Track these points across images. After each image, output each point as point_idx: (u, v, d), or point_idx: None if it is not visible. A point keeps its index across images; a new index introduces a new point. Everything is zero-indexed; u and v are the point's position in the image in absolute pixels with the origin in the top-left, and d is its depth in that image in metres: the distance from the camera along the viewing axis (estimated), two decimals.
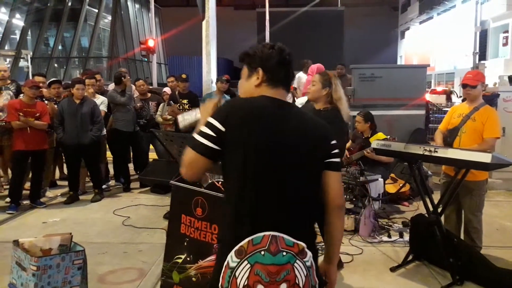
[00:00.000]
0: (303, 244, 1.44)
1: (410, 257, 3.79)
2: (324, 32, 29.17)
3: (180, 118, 1.94)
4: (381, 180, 4.90)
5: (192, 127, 1.94)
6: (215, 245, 2.94)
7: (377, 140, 3.99)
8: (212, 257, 2.92)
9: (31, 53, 18.42)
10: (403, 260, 3.76)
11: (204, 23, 7.21)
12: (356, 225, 4.46)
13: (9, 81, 6.59)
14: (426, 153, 3.38)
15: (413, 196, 5.67)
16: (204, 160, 1.48)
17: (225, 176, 1.54)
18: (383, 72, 6.79)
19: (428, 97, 9.99)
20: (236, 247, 1.38)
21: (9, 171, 6.06)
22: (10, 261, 2.91)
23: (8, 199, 5.44)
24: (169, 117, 6.37)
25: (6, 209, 5.26)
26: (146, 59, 20.40)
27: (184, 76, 6.76)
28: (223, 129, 1.46)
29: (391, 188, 5.45)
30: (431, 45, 25.81)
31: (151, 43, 16.17)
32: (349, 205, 4.94)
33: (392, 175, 5.71)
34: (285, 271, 1.38)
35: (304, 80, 7.93)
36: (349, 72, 8.00)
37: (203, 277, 2.91)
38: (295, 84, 8.08)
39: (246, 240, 1.38)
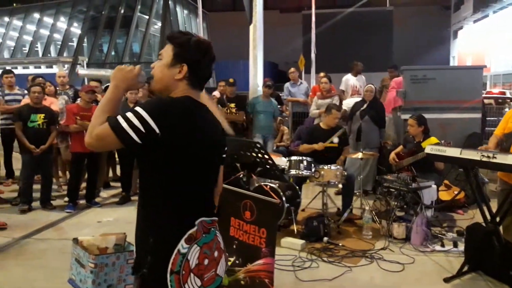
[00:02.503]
0: (216, 218, 1.71)
1: (466, 268, 3.62)
2: (372, 32, 28.55)
3: (81, 71, 1.86)
4: (434, 186, 4.71)
5: (92, 79, 1.90)
6: (263, 249, 2.96)
7: (430, 145, 3.85)
8: (261, 261, 2.94)
9: (86, 59, 19.38)
10: (457, 271, 3.59)
11: (251, 27, 7.25)
12: (408, 233, 4.32)
13: (67, 86, 6.97)
14: (484, 159, 3.22)
15: (468, 204, 5.42)
16: (119, 144, 1.51)
17: (154, 172, 1.57)
18: (436, 74, 6.53)
19: None
20: (186, 236, 1.55)
21: (67, 172, 6.41)
22: (70, 258, 3.06)
23: (66, 199, 5.74)
24: None
25: (64, 208, 5.56)
26: None
27: (231, 80, 6.85)
28: (157, 131, 1.48)
29: (445, 195, 5.23)
30: (487, 45, 24.55)
31: None
32: (399, 213, 4.79)
33: (446, 181, 5.48)
34: (215, 242, 1.66)
35: (352, 82, 7.77)
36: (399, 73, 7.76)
37: (251, 281, 2.93)
38: (342, 86, 7.95)
39: (194, 228, 1.57)
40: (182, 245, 1.53)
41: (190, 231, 1.56)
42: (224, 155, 1.82)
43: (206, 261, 1.59)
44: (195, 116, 1.59)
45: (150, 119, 1.47)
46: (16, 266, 3.85)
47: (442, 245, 4.21)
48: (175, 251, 1.52)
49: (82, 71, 1.82)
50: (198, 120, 1.59)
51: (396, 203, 4.60)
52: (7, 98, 6.31)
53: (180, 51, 1.63)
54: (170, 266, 1.51)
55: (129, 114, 1.49)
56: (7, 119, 6.16)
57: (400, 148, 5.40)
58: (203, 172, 1.64)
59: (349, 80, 7.81)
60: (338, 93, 7.51)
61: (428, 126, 5.15)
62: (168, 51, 1.65)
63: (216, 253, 1.65)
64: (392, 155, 5.29)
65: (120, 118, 1.49)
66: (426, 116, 5.25)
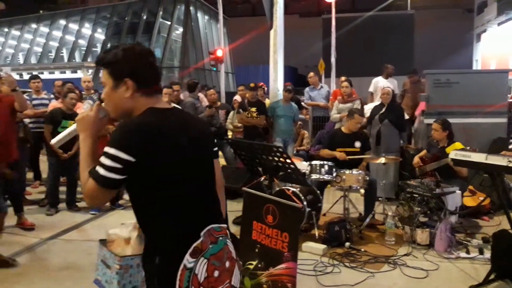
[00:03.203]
0: (225, 225, 1.66)
1: (492, 276, 3.54)
2: (393, 36, 28.30)
3: (53, 141, 1.83)
4: (458, 192, 4.63)
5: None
6: (285, 253, 2.96)
7: (455, 150, 3.80)
8: (283, 265, 2.94)
9: None
10: (484, 279, 3.52)
11: (272, 32, 7.29)
12: (431, 239, 4.25)
13: (92, 91, 7.14)
14: (511, 164, 3.16)
15: (494, 210, 5.30)
16: (111, 192, 1.51)
17: (144, 193, 1.53)
18: (460, 78, 6.43)
19: None
20: (190, 249, 1.50)
21: None
22: (95, 259, 3.12)
23: None
24: (239, 124, 6.55)
25: (89, 210, 5.68)
26: (215, 69, 21.04)
27: (252, 85, 6.90)
28: (132, 159, 1.45)
29: (469, 201, 5.14)
30: (511, 48, 23.99)
31: (219, 53, 16.60)
32: (423, 218, 4.73)
33: (471, 187, 5.38)
34: (225, 252, 1.61)
35: (381, 84, 7.70)
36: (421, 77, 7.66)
37: (274, 285, 2.94)
38: (371, 88, 7.87)
39: (200, 240, 1.53)
40: (187, 260, 1.50)
41: (195, 244, 1.52)
42: (215, 148, 1.78)
43: (216, 273, 1.55)
44: (162, 125, 1.53)
45: (120, 153, 1.45)
46: (45, 267, 3.96)
47: (467, 252, 4.13)
48: (181, 266, 1.49)
49: (53, 140, 1.84)
50: (166, 128, 1.54)
51: (419, 208, 4.53)
52: (34, 102, 6.49)
53: (115, 69, 1.57)
54: (178, 283, 1.48)
55: (102, 158, 1.48)
56: (35, 123, 6.33)
57: (423, 152, 5.33)
58: (193, 174, 1.59)
59: (379, 82, 7.73)
60: (359, 97, 7.46)
61: (452, 131, 5.08)
62: (105, 76, 1.59)
63: (227, 264, 1.61)
64: (416, 159, 5.22)
65: (97, 168, 1.48)
66: (450, 120, 5.18)
